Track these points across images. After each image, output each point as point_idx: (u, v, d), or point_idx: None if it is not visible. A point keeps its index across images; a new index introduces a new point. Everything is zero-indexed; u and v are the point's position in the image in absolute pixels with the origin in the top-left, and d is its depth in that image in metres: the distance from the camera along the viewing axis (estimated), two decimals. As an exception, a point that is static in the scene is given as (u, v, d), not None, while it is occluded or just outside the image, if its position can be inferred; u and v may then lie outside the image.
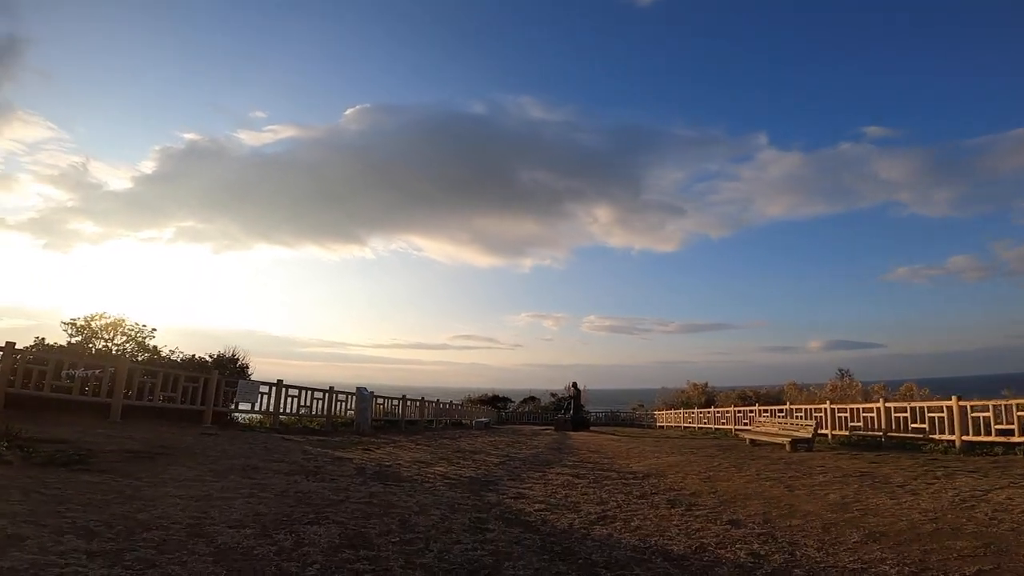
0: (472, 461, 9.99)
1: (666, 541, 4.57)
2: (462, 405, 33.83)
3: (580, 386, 29.80)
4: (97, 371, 11.49)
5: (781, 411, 19.01)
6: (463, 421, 28.32)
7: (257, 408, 14.70)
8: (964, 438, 11.58)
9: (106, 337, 12.82)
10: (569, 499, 6.46)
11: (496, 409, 42.26)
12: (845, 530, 4.89)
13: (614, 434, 23.84)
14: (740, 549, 4.31)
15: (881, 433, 14.19)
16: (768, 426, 16.85)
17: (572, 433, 24.02)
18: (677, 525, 5.19)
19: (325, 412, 16.84)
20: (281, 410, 15.45)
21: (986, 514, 5.29)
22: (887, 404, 14.35)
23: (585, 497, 6.65)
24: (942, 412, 12.36)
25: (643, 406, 44.43)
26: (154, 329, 13.48)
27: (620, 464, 10.52)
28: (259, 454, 8.69)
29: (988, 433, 11.19)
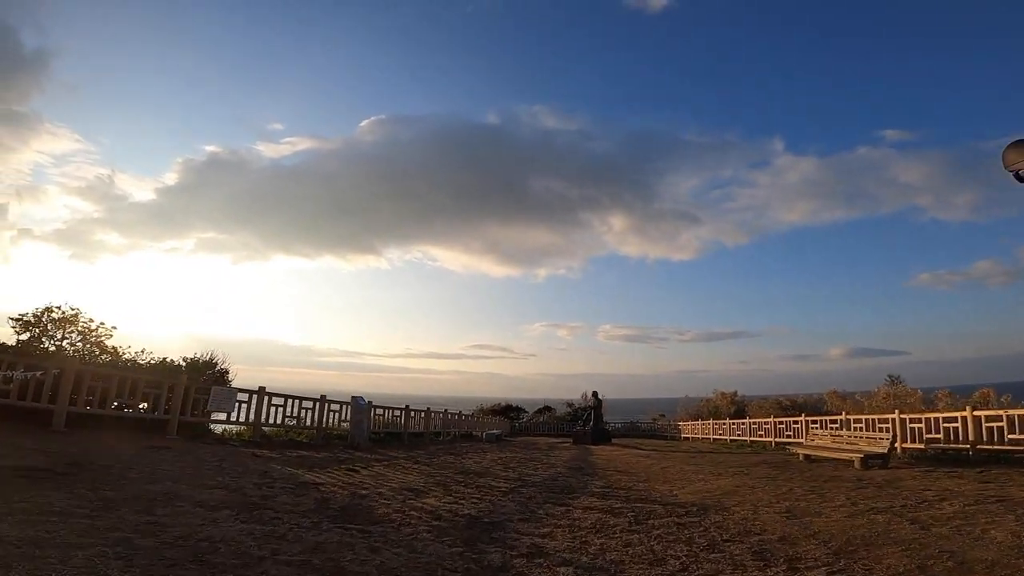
0: (475, 487, 7.94)
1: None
2: (472, 415, 31.75)
3: (600, 396, 27.48)
4: (39, 373, 9.79)
5: (834, 422, 16.64)
6: (473, 433, 26.24)
7: (235, 418, 12.86)
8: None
9: (58, 336, 11.10)
10: (608, 556, 4.38)
11: (509, 419, 40.04)
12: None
13: (639, 448, 21.53)
14: None
15: (968, 446, 11.85)
16: (821, 439, 14.52)
17: (592, 447, 21.77)
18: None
19: (316, 423, 14.99)
20: (265, 420, 13.64)
21: None
22: (976, 413, 12.00)
23: (630, 550, 4.56)
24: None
25: (664, 416, 41.90)
26: (114, 327, 11.75)
27: (661, 490, 8.38)
28: (199, 476, 6.77)
29: None
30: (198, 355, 13.59)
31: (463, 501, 6.55)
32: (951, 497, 6.82)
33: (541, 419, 42.72)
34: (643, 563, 4.18)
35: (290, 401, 14.41)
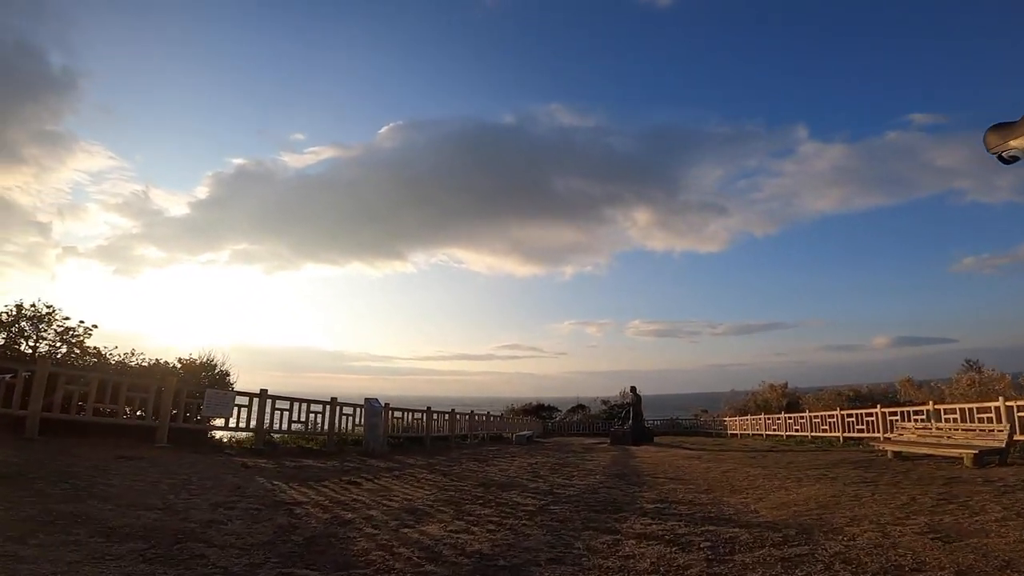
0: (495, 505, 6.28)
1: None
2: (502, 416, 30.16)
3: (638, 391, 25.37)
4: (8, 376, 8.74)
5: (919, 413, 14.30)
6: (503, 434, 24.63)
7: (233, 423, 11.61)
8: None
9: (35, 336, 10.06)
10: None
11: (541, 419, 38.24)
12: None
13: (685, 447, 19.44)
14: None
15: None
16: (911, 433, 12.28)
17: (633, 447, 19.80)
18: None
19: (327, 429, 13.68)
20: (270, 426, 12.39)
21: None
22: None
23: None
24: None
25: (707, 411, 39.32)
26: (94, 326, 10.64)
27: (733, 504, 6.54)
28: (145, 494, 5.37)
29: None
30: (194, 356, 12.42)
31: (475, 528, 4.91)
32: None
33: (575, 418, 40.72)
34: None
35: (297, 405, 13.14)
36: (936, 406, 13.81)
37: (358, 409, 14.56)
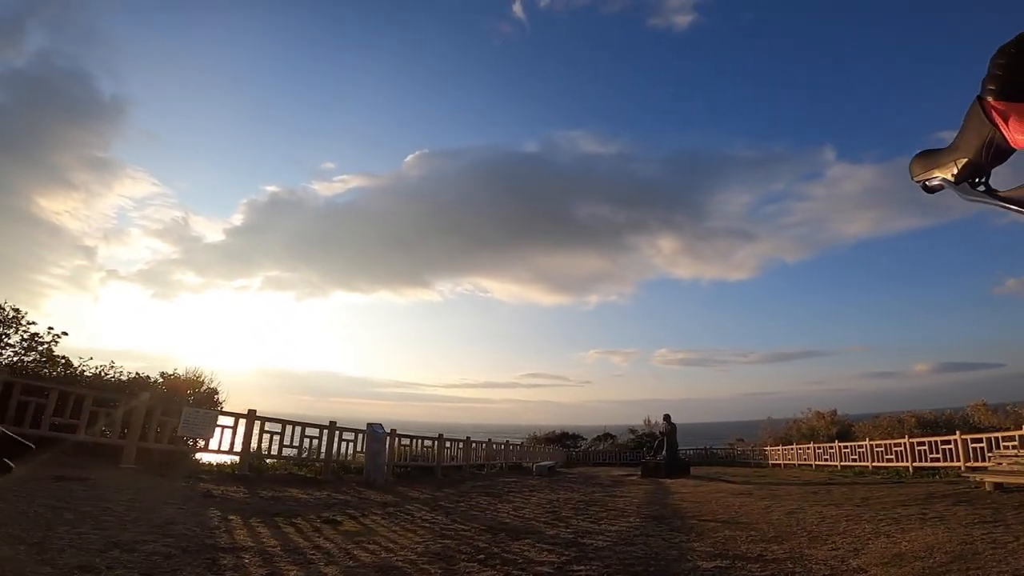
0: (499, 564, 4.68)
1: None
2: (522, 444, 28.23)
3: (671, 419, 23.19)
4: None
5: (1010, 439, 12.12)
6: (523, 464, 22.76)
7: (215, 446, 10.31)
8: None
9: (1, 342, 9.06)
10: None
11: (565, 448, 36.00)
12: None
13: (727, 479, 17.25)
14: None
15: None
16: (1009, 463, 10.19)
17: (668, 480, 17.72)
18: None
19: (325, 455, 12.28)
20: (257, 449, 11.05)
21: None
22: None
23: None
24: None
25: (743, 440, 36.54)
26: (64, 332, 9.60)
27: (822, 559, 4.80)
28: (39, 523, 4.01)
29: None
30: (178, 371, 11.28)
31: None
32: None
33: (601, 447, 38.30)
34: None
35: (290, 428, 11.79)
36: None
37: (360, 435, 13.15)
